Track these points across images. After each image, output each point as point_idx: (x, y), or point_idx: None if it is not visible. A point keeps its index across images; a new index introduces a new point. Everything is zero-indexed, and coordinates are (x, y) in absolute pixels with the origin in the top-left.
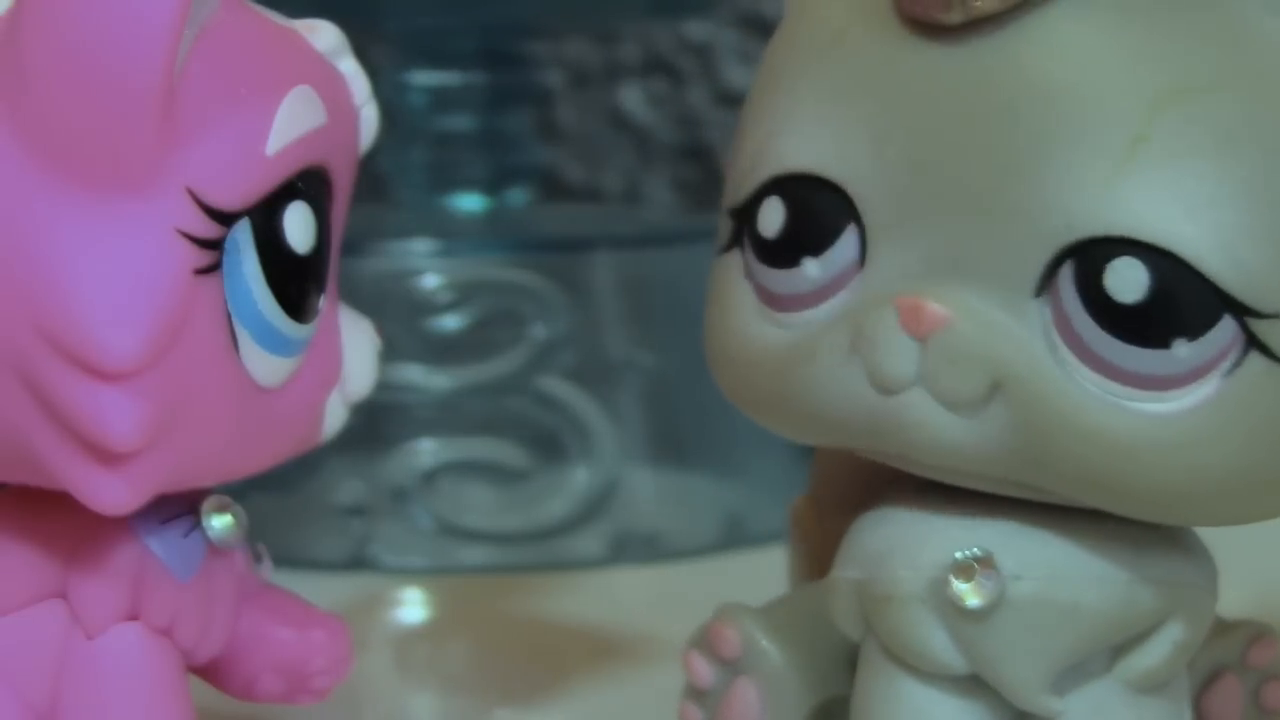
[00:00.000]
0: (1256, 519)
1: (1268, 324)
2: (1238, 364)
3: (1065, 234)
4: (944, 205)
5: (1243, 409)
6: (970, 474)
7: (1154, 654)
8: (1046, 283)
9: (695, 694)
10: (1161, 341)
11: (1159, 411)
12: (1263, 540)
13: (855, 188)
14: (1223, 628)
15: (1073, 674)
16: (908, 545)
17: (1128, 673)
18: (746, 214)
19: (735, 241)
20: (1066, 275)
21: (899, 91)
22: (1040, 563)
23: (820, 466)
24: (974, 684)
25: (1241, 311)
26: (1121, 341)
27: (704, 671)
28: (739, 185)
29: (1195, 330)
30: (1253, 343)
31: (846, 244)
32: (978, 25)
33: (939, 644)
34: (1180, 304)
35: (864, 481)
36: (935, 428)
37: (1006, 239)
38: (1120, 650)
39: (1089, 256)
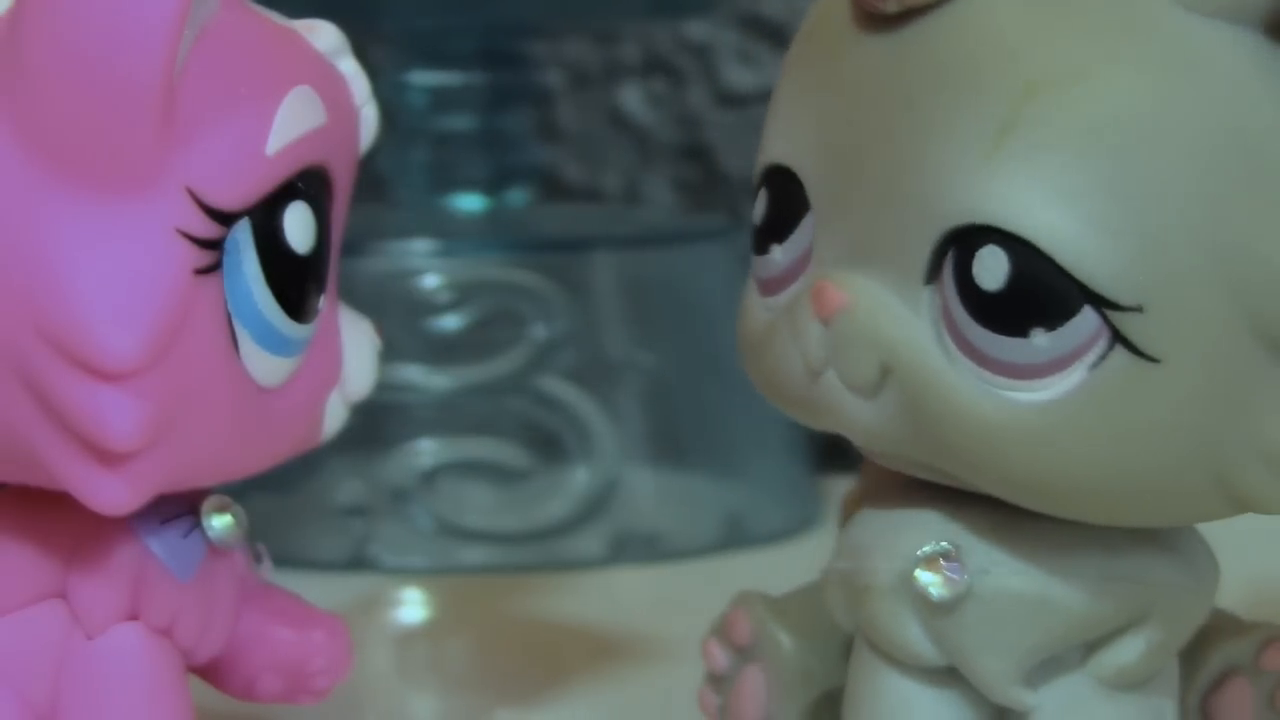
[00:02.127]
0: (1144, 521)
1: (1131, 317)
2: (1103, 357)
3: (944, 221)
4: (858, 192)
5: (1107, 402)
6: (888, 456)
7: (1128, 652)
8: (935, 271)
9: (713, 680)
10: (1020, 330)
11: (1027, 401)
12: (1261, 537)
13: (805, 176)
14: (1237, 629)
15: (1047, 668)
16: (886, 537)
17: (1100, 669)
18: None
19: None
20: (949, 263)
21: (839, 82)
22: (1009, 557)
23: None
24: (954, 677)
25: (1101, 303)
26: (986, 329)
27: (720, 657)
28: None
29: (1053, 320)
30: (1117, 336)
31: (804, 231)
32: (913, 15)
33: (913, 635)
34: (1037, 293)
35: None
36: (848, 410)
37: (902, 226)
38: (1094, 647)
39: (963, 244)
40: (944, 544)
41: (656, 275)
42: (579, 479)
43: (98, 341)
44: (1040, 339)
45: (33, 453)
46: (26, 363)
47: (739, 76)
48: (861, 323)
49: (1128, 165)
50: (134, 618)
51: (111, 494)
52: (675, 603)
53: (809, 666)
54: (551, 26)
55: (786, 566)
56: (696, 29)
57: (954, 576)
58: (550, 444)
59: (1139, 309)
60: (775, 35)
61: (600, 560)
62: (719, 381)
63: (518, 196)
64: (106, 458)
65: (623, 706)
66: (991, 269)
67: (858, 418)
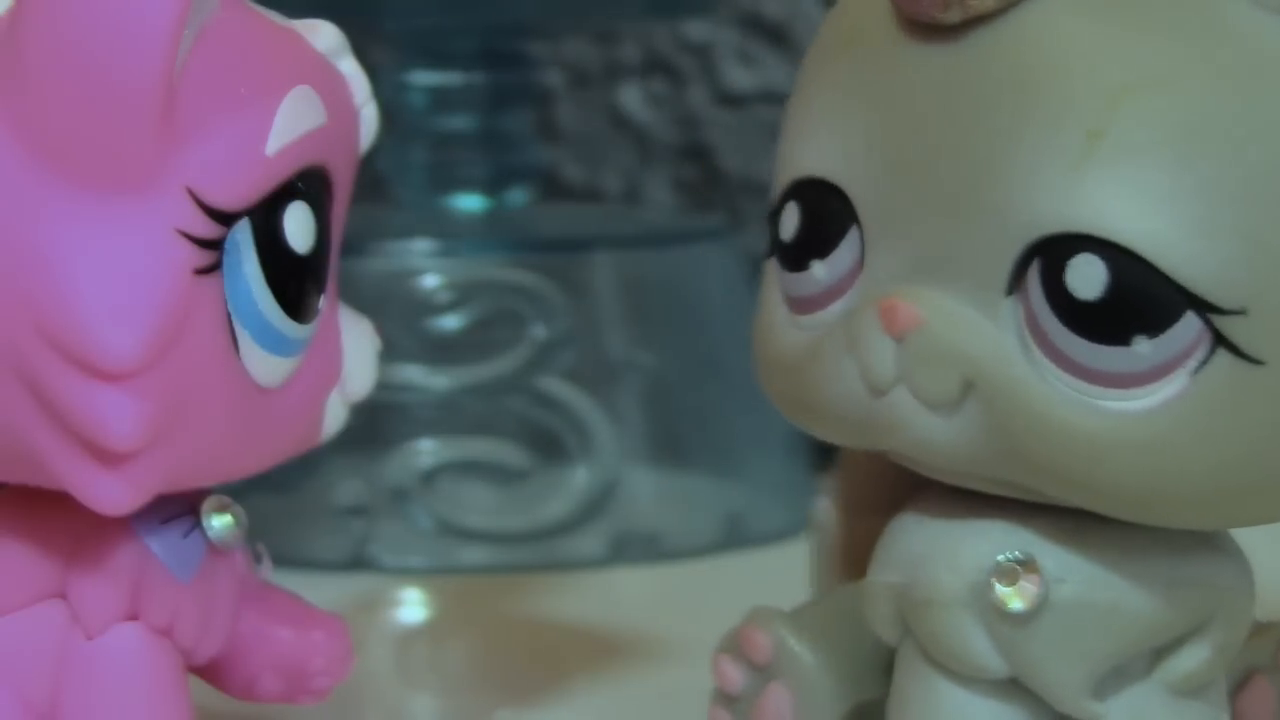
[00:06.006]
0: (1240, 523)
1: (1233, 320)
2: (1205, 362)
3: (1030, 231)
4: (926, 204)
5: (1211, 407)
6: (962, 474)
7: (1195, 657)
8: (1017, 281)
9: (724, 699)
10: (1121, 339)
11: (1126, 410)
12: (1262, 537)
13: (853, 190)
14: (1255, 629)
15: (1114, 677)
16: (948, 549)
17: (1169, 675)
18: (774, 220)
19: (771, 248)
20: (1034, 273)
21: (892, 93)
22: (1080, 565)
23: (846, 468)
24: (1013, 687)
25: (1204, 307)
26: (1083, 339)
27: (734, 676)
28: (772, 193)
29: (1156, 327)
30: (1220, 340)
31: (849, 246)
32: (974, 24)
33: (980, 647)
34: (1139, 300)
35: (890, 483)
36: (919, 427)
37: (979, 237)
38: (1161, 653)
39: (1052, 254)
40: (1018, 554)
41: (656, 275)
42: (579, 479)
43: (97, 341)
44: (1142, 346)
45: (33, 453)
46: (26, 363)
47: (739, 76)
48: (940, 337)
49: (1223, 167)
50: (134, 618)
51: (111, 494)
52: (675, 603)
53: (836, 683)
54: (551, 26)
55: (786, 566)
56: (696, 29)
57: (1032, 588)
58: (550, 444)
59: (1242, 312)
60: (775, 35)
61: (600, 560)
62: (719, 381)
63: (518, 196)
64: (106, 458)
65: (623, 706)
66: (1088, 278)
67: (930, 435)
